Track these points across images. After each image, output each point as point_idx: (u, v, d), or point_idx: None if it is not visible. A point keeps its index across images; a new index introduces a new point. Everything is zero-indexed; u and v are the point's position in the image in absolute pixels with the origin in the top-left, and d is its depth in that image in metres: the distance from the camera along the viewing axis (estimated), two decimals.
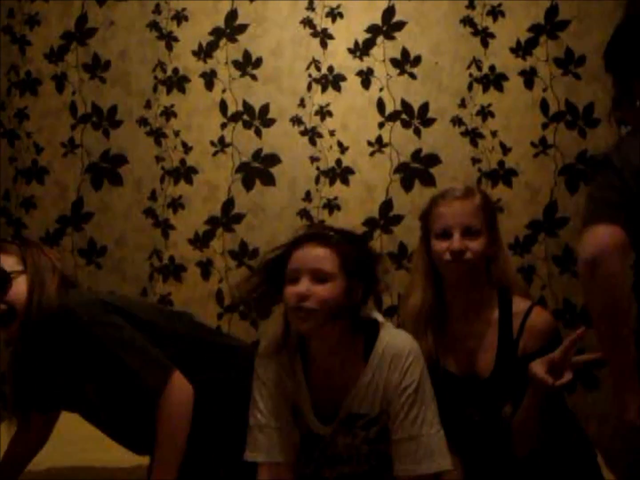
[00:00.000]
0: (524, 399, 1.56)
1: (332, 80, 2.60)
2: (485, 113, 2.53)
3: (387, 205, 2.58)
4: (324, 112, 2.60)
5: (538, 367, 1.49)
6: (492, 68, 2.53)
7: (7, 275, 1.58)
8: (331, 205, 2.60)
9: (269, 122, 2.63)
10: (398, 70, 2.57)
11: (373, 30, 2.57)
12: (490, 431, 1.67)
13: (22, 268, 1.61)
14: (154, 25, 2.67)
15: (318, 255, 1.49)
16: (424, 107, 2.56)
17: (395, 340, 1.57)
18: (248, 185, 2.64)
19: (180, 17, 2.65)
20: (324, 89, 2.60)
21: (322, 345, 1.53)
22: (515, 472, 1.67)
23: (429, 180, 2.55)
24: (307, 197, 2.61)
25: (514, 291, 1.72)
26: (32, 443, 1.81)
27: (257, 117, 2.63)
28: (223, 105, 2.64)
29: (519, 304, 1.69)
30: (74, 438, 1.94)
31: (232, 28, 2.63)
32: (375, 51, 2.58)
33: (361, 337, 1.55)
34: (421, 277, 1.72)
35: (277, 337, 1.56)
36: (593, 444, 1.85)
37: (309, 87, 2.61)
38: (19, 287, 1.58)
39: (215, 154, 2.65)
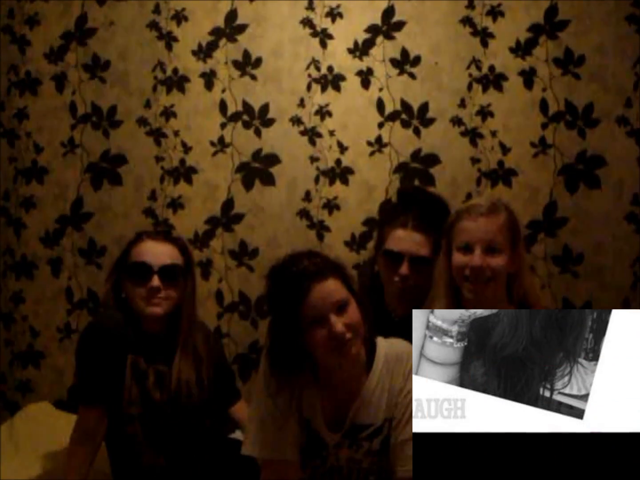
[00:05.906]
0: None
1: (332, 80, 2.60)
2: (484, 113, 2.53)
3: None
4: (323, 112, 2.60)
5: None
6: (491, 68, 2.53)
7: None
8: (331, 205, 2.60)
9: (269, 122, 2.62)
10: (398, 70, 2.57)
11: (373, 30, 2.57)
12: None
13: None
14: (153, 25, 2.67)
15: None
16: (424, 107, 2.56)
17: (393, 346, 1.60)
18: (248, 185, 2.64)
19: (180, 17, 2.65)
20: (323, 89, 2.60)
21: (346, 365, 1.53)
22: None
23: (429, 180, 2.54)
24: (307, 197, 2.61)
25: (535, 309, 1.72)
26: None
27: (256, 117, 2.63)
28: (223, 105, 2.64)
29: None
30: None
31: (231, 28, 2.63)
32: (375, 51, 2.57)
33: (364, 348, 1.56)
34: (442, 289, 1.73)
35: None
36: None
37: (309, 87, 2.61)
38: None
39: (215, 154, 2.65)
